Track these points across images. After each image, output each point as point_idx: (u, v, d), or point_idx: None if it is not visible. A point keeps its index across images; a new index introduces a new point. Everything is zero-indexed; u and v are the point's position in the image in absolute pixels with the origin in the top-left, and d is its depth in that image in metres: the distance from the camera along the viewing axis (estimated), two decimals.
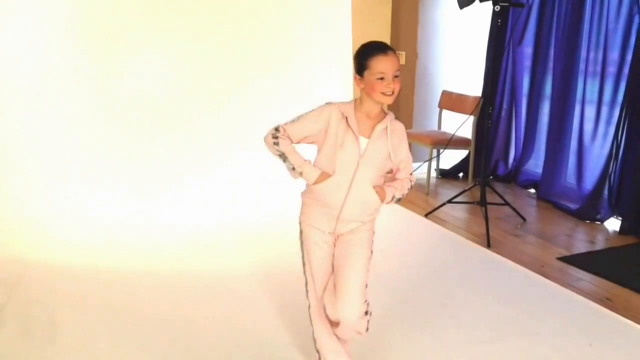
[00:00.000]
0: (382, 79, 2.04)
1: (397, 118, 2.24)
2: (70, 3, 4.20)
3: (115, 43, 4.28)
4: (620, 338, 2.83)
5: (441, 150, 5.41)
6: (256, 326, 2.81)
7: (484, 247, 3.96)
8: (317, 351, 2.36)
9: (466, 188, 4.77)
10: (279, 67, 4.74)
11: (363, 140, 2.13)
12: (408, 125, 5.57)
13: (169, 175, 4.41)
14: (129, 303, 2.98)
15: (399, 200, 2.24)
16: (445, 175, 5.72)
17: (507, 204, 4.51)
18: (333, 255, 2.25)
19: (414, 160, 2.32)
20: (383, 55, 2.05)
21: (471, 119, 5.21)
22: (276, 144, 2.15)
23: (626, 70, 4.33)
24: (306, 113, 2.18)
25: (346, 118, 2.12)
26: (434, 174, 5.63)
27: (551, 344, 2.74)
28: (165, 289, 3.16)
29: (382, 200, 2.18)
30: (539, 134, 5.25)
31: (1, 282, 3.08)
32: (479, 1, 4.16)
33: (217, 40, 4.51)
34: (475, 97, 5.30)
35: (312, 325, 2.34)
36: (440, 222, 4.43)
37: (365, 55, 2.08)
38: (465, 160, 5.63)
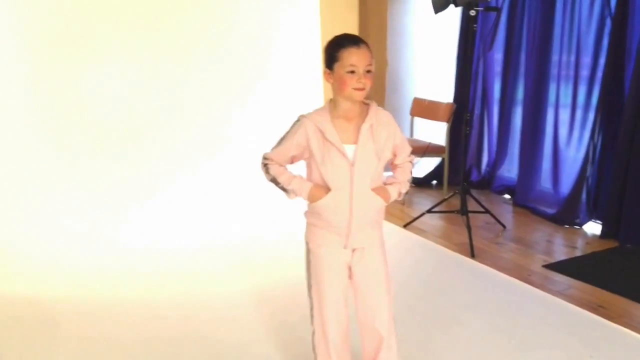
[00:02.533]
0: (353, 72, 1.89)
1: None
2: (23, 7, 3.92)
3: (75, 50, 4.03)
4: (621, 348, 2.74)
5: (417, 160, 5.30)
6: (250, 349, 2.66)
7: (468, 257, 3.85)
8: None
9: (445, 197, 4.67)
10: (248, 77, 4.57)
11: (350, 148, 1.95)
12: None
13: (145, 192, 4.23)
14: (117, 326, 2.85)
15: (406, 193, 2.15)
16: (419, 183, 5.62)
17: (487, 211, 4.43)
18: (346, 281, 2.10)
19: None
20: (355, 47, 1.90)
21: (444, 126, 5.13)
22: (267, 171, 2.05)
23: (600, 73, 4.29)
24: (285, 133, 2.03)
25: (322, 132, 1.95)
26: None
27: (551, 357, 2.63)
28: (155, 311, 3.02)
29: (387, 201, 2.05)
30: (512, 139, 5.20)
31: None
32: (453, 6, 4.08)
33: (184, 49, 4.31)
34: (447, 104, 5.23)
35: (313, 353, 2.15)
36: (420, 232, 4.31)
37: (336, 46, 1.92)
38: (438, 168, 5.54)
